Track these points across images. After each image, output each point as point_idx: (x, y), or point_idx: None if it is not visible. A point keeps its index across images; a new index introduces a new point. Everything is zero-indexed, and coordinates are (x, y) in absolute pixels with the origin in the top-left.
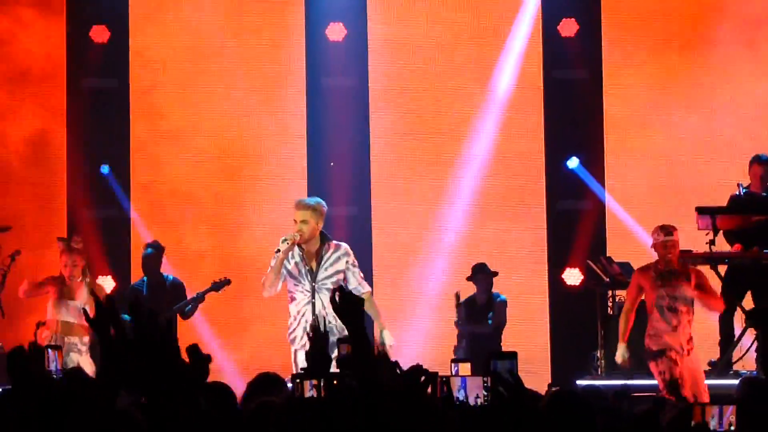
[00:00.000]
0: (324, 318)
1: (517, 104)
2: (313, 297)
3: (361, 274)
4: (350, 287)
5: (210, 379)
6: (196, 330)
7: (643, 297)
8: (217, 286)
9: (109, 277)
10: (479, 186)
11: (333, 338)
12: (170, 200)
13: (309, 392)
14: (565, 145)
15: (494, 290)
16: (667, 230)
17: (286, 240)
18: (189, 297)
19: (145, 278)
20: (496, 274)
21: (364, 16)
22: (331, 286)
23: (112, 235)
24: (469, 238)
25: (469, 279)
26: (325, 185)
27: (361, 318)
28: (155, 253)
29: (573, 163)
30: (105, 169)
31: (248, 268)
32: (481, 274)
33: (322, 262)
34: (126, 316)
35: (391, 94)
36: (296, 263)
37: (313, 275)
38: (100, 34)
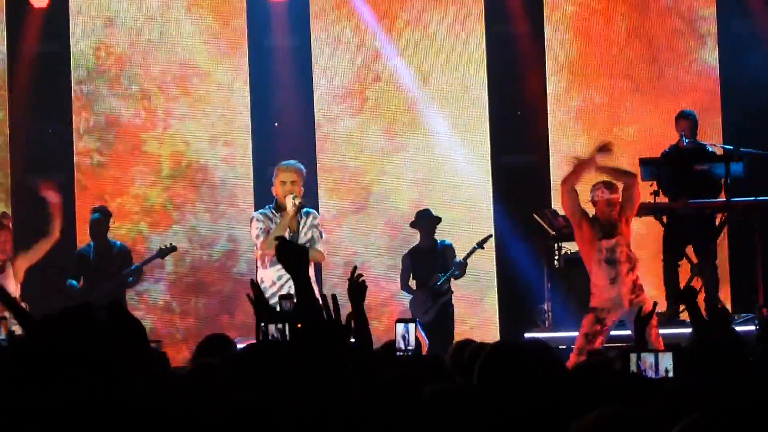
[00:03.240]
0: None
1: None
2: None
3: (324, 237)
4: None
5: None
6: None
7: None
8: (162, 253)
9: None
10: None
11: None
12: (114, 160)
13: (273, 335)
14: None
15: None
16: (612, 187)
17: (296, 197)
18: (135, 264)
19: (92, 243)
20: (439, 219)
21: None
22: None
23: None
24: (408, 193)
25: (412, 225)
26: (271, 146)
27: (305, 267)
28: (102, 218)
29: None
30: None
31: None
32: (424, 219)
33: (300, 228)
34: (73, 282)
35: (333, 54)
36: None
37: (296, 240)
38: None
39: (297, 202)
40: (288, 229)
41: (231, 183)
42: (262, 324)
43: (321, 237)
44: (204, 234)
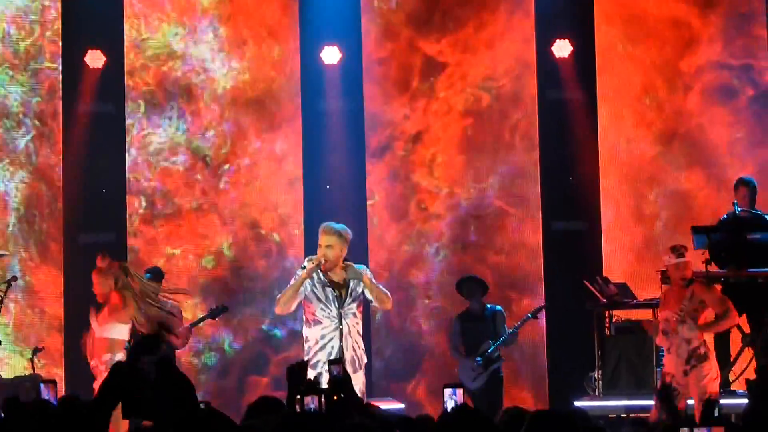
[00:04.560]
0: (343, 347)
1: (514, 123)
2: (341, 323)
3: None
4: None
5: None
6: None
7: None
8: (213, 313)
9: None
10: (472, 204)
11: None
12: (162, 226)
13: (310, 405)
14: (561, 164)
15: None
16: (678, 251)
17: (311, 259)
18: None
19: None
20: (482, 283)
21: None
22: (355, 310)
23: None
24: (460, 257)
25: (457, 289)
26: (322, 209)
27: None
28: (153, 279)
29: None
30: None
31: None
32: (465, 284)
33: (349, 290)
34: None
35: (385, 115)
36: (323, 288)
37: (341, 302)
38: (95, 58)
39: (315, 262)
40: (333, 290)
41: (283, 250)
42: (298, 396)
43: (372, 280)
44: (255, 298)
